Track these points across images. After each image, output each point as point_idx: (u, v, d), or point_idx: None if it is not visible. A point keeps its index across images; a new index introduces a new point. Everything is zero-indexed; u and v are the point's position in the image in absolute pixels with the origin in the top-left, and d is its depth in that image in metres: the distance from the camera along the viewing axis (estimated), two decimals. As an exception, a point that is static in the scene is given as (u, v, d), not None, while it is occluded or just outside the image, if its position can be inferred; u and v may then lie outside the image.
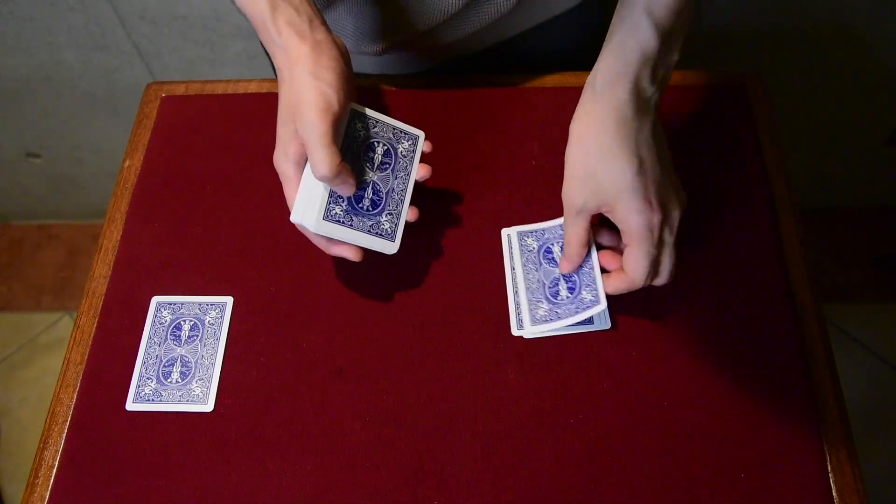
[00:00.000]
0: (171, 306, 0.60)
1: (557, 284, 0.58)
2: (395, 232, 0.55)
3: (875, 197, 1.55)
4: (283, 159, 0.51)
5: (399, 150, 0.56)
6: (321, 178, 0.49)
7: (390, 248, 0.55)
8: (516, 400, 0.55)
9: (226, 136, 0.70)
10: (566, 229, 0.54)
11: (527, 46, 0.72)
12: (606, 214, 0.52)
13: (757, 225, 0.62)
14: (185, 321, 0.60)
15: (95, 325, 0.60)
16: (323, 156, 0.48)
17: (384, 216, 0.55)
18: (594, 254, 0.56)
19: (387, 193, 0.55)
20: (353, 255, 0.54)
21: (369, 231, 0.54)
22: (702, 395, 0.55)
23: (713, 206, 0.63)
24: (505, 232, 0.62)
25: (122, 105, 1.31)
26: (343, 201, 0.53)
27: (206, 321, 0.60)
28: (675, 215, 0.51)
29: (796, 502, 0.51)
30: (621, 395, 0.55)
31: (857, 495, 0.52)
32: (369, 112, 0.54)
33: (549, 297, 0.58)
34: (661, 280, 0.52)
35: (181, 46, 1.17)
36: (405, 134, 0.56)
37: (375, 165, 0.55)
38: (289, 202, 0.52)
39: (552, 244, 0.60)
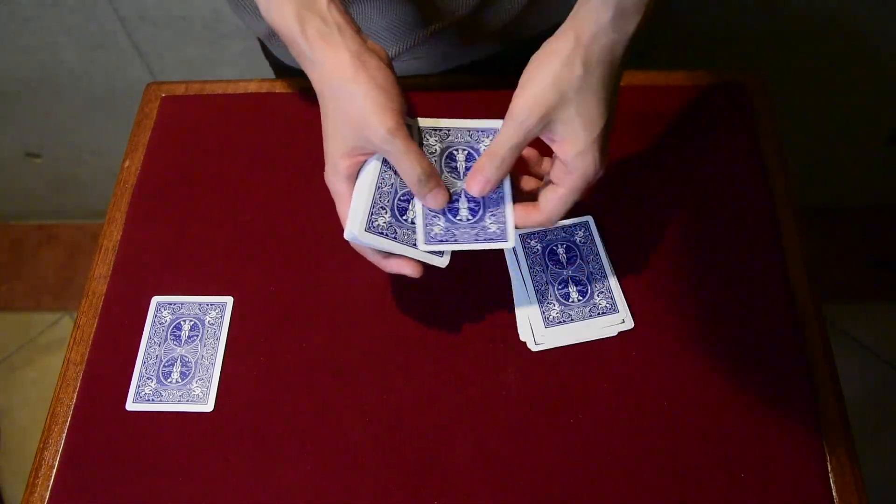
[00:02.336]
0: (171, 306, 0.60)
1: (567, 286, 0.59)
2: (504, 231, 0.50)
3: (875, 197, 1.55)
4: (334, 176, 0.49)
5: (481, 150, 0.52)
6: (417, 181, 0.47)
7: (505, 246, 0.51)
8: (516, 400, 0.55)
9: (226, 136, 0.70)
10: (501, 136, 0.48)
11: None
12: (548, 143, 0.48)
13: (756, 225, 0.62)
14: (185, 321, 0.60)
15: (95, 325, 0.60)
16: (415, 155, 0.46)
17: (488, 219, 0.50)
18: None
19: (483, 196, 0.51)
20: (411, 271, 0.51)
21: (476, 239, 0.50)
22: (701, 396, 0.55)
23: (713, 206, 0.63)
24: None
25: (122, 105, 1.31)
26: (440, 219, 0.49)
27: (206, 321, 0.60)
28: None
29: (796, 502, 0.51)
30: (621, 396, 0.55)
31: (857, 495, 0.52)
32: (440, 122, 0.51)
33: (561, 298, 0.58)
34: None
35: (181, 46, 1.17)
36: (483, 131, 0.51)
37: (462, 173, 0.51)
38: (342, 219, 0.50)
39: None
